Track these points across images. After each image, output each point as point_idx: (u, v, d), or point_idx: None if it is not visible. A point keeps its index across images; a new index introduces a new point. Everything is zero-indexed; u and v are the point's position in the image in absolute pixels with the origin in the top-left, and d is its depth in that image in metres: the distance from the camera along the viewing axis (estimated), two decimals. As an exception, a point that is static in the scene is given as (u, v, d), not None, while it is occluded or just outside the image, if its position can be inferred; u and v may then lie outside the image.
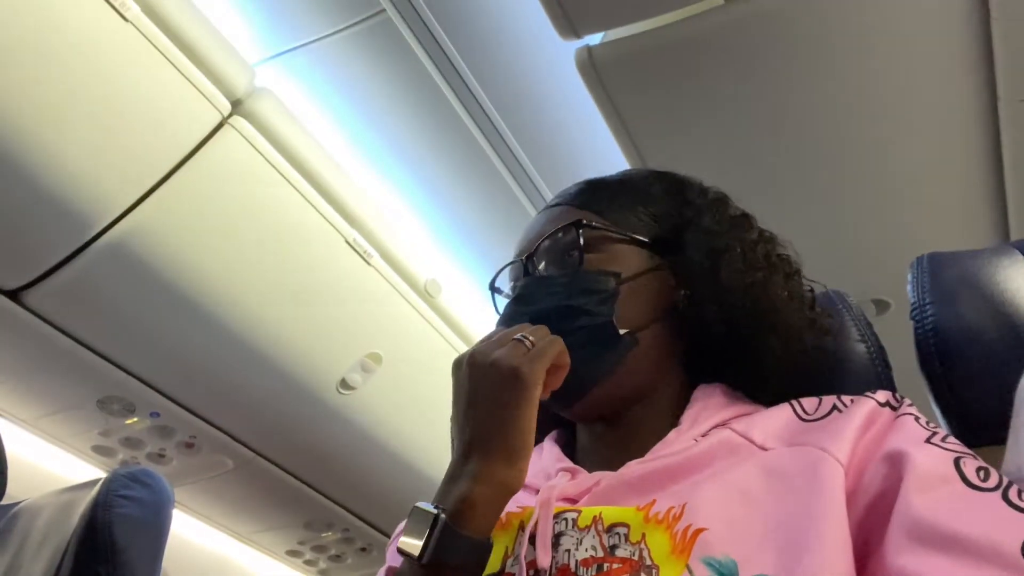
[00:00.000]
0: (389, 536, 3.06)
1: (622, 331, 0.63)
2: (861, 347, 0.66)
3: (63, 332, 1.72)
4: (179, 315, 1.70)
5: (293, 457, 2.17)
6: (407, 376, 2.09)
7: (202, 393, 1.94)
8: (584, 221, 0.67)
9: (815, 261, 1.41)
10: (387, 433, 2.13)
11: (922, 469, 0.47)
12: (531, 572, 0.52)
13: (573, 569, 0.50)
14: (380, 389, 2.05)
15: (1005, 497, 0.45)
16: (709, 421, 0.60)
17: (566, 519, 0.54)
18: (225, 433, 2.04)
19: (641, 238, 0.68)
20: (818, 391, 0.62)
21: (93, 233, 1.55)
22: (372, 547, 2.58)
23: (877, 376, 0.65)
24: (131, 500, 1.09)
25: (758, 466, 0.53)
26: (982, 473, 0.47)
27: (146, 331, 1.74)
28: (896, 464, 0.48)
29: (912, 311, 0.65)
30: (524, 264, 0.70)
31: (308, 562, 2.73)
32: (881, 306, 1.49)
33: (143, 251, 1.59)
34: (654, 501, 0.52)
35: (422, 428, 2.18)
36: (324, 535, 2.52)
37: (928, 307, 0.64)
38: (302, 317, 1.86)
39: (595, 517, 0.53)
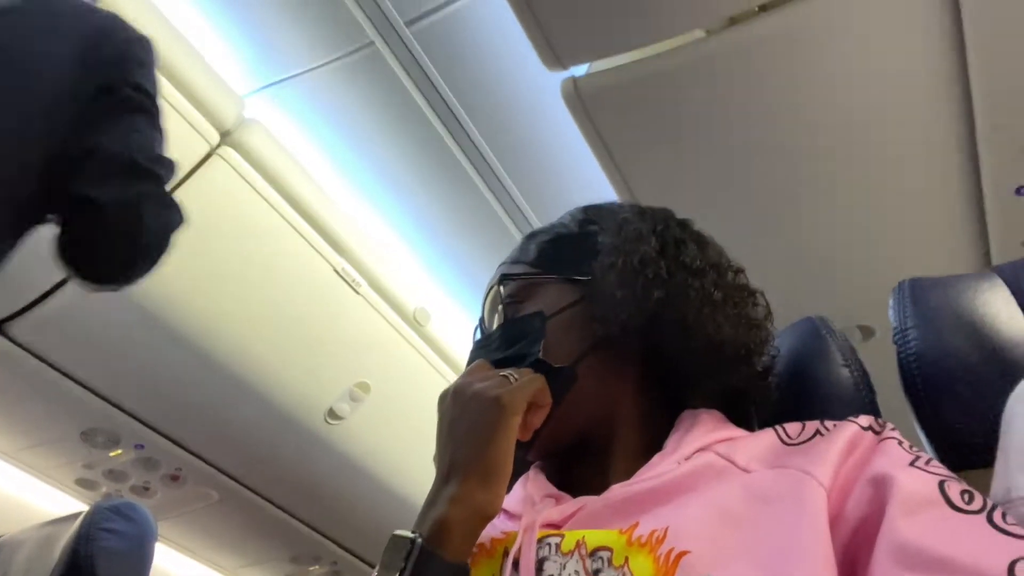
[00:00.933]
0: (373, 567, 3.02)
1: (556, 365, 0.64)
2: (845, 372, 0.66)
3: (47, 363, 1.71)
4: (165, 346, 1.69)
5: (280, 488, 2.15)
6: (396, 405, 2.08)
7: (188, 424, 1.92)
8: (507, 273, 0.72)
9: (799, 288, 1.43)
10: (375, 463, 2.11)
11: (907, 492, 0.47)
12: None
13: None
14: (369, 418, 2.04)
15: (990, 520, 0.45)
16: (693, 444, 0.60)
17: (549, 544, 0.54)
18: (211, 465, 2.02)
19: (559, 276, 0.70)
20: (801, 416, 0.62)
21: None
22: (360, 580, 2.55)
23: (861, 401, 0.65)
24: (113, 533, 1.07)
25: (741, 487, 0.52)
26: (966, 496, 0.47)
27: (131, 362, 1.73)
28: (881, 488, 0.48)
29: (895, 335, 0.66)
30: (479, 328, 0.75)
31: (295, 598, 2.68)
32: (866, 332, 1.50)
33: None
34: (637, 524, 0.52)
35: (411, 457, 2.16)
36: (311, 569, 2.48)
37: (910, 331, 0.65)
38: (290, 346, 1.85)
39: (578, 541, 0.53)
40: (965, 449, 0.61)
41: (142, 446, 1.93)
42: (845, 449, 0.53)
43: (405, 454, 2.14)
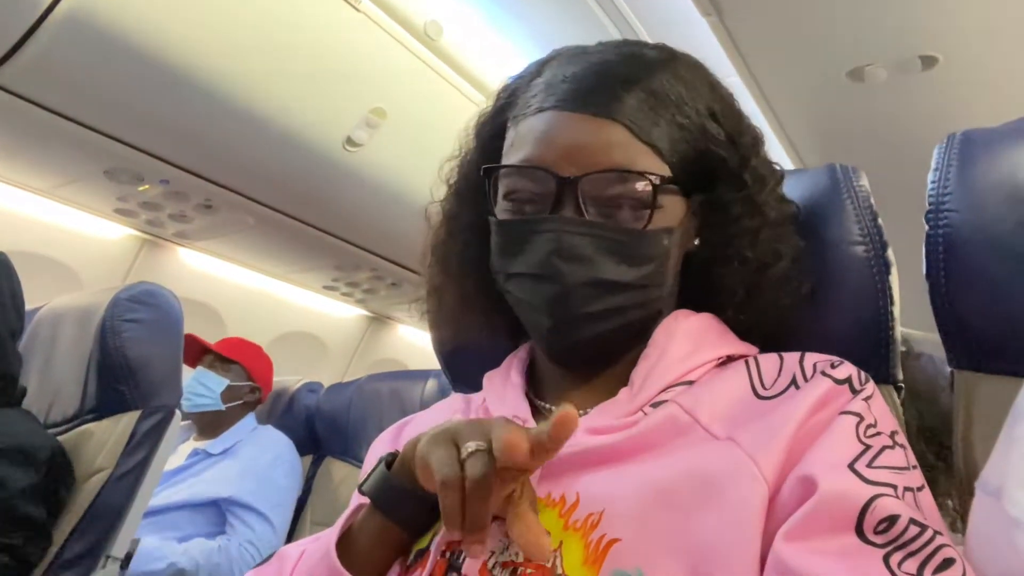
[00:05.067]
0: (416, 273, 3.21)
1: (655, 292, 0.59)
2: (859, 251, 0.57)
3: (46, 109, 1.65)
4: (161, 82, 1.61)
5: (311, 211, 2.19)
6: (414, 128, 1.99)
7: (208, 160, 1.91)
8: (654, 177, 0.56)
9: (849, 19, 1.20)
10: (399, 186, 2.10)
11: (821, 509, 0.44)
12: (449, 553, 0.53)
13: (490, 568, 0.50)
14: (388, 144, 1.98)
15: (886, 560, 0.42)
16: (658, 382, 0.56)
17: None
18: (239, 194, 2.04)
19: (679, 180, 0.59)
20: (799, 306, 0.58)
21: (45, 6, 1.43)
22: (402, 282, 2.72)
23: (873, 289, 0.57)
24: (138, 323, 1.12)
25: (692, 463, 0.50)
26: (883, 525, 0.43)
27: (132, 102, 1.67)
28: (803, 495, 0.46)
29: (928, 202, 0.55)
30: (561, 185, 0.57)
31: (344, 295, 2.91)
32: (928, 62, 1.30)
33: (106, 18, 1.47)
34: (577, 500, 0.51)
35: (434, 174, 2.14)
36: (355, 274, 2.64)
37: (945, 203, 0.54)
38: (296, 76, 1.74)
39: None
40: (981, 352, 0.54)
41: (167, 181, 1.95)
42: (805, 416, 0.49)
43: (428, 174, 2.11)
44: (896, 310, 0.57)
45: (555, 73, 0.61)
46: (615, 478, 0.51)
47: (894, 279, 0.57)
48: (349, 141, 1.92)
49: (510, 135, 0.62)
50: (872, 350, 0.57)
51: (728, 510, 0.47)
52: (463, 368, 0.83)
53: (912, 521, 0.44)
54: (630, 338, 0.60)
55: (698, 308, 0.62)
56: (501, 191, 0.61)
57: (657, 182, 0.56)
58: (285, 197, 2.10)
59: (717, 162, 0.60)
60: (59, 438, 1.12)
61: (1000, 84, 1.48)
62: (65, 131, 1.71)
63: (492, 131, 0.66)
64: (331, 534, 0.56)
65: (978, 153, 0.54)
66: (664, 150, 0.58)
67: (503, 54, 2.00)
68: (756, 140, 0.63)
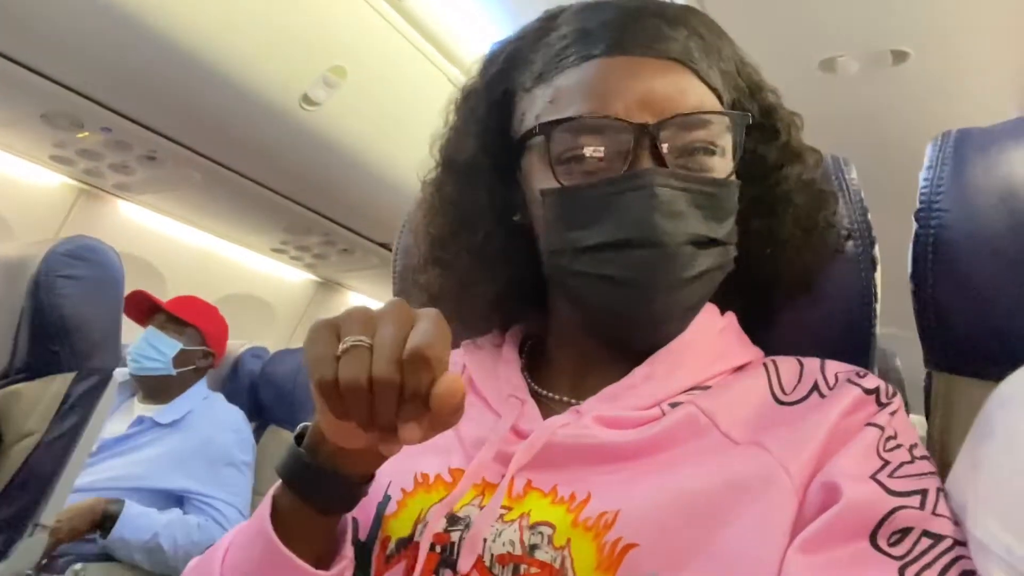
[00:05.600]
0: (369, 240, 3.13)
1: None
2: (848, 245, 0.56)
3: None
4: (108, 24, 1.51)
5: (262, 170, 2.11)
6: (375, 89, 1.93)
7: (155, 109, 1.81)
8: (727, 117, 0.53)
9: (823, 9, 1.19)
10: (357, 147, 2.03)
11: (840, 516, 0.43)
12: (439, 547, 0.49)
13: (488, 565, 0.47)
14: (346, 104, 1.91)
15: (901, 573, 0.41)
16: (681, 381, 0.52)
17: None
18: (186, 147, 1.95)
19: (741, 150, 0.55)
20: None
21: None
22: (355, 248, 2.65)
23: (859, 285, 0.56)
24: (75, 280, 1.05)
25: (714, 464, 0.47)
26: (897, 536, 0.42)
27: (81, 45, 1.57)
28: (826, 502, 0.44)
29: (920, 199, 0.54)
30: (640, 135, 0.51)
31: (293, 258, 2.83)
32: (899, 56, 1.30)
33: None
34: (588, 497, 0.47)
35: (394, 140, 2.07)
36: (305, 238, 2.57)
37: (938, 201, 0.53)
38: (254, 27, 1.65)
39: (522, 514, 0.48)
40: (958, 353, 0.54)
41: (109, 129, 1.85)
42: (835, 424, 0.47)
43: (387, 137, 2.04)
44: (878, 307, 0.56)
45: (583, 22, 0.55)
46: (631, 478, 0.48)
47: (878, 276, 0.57)
48: (306, 99, 1.85)
49: (542, 93, 0.55)
50: (855, 347, 0.57)
51: (757, 518, 0.44)
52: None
53: (925, 533, 0.43)
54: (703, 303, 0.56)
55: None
56: (554, 153, 0.53)
57: (730, 125, 0.53)
58: (236, 153, 2.02)
59: (748, 115, 0.56)
60: (-15, 398, 1.05)
61: (972, 80, 1.50)
62: (2, 69, 1.60)
63: (488, 103, 0.60)
64: (263, 509, 0.50)
65: (973, 152, 0.53)
66: (722, 95, 0.55)
67: (475, 24, 1.94)
68: (776, 92, 0.61)
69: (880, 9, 1.33)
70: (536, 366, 0.61)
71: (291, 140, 1.94)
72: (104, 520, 1.51)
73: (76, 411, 1.06)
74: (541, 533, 0.47)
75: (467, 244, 0.59)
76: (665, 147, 0.51)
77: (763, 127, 0.58)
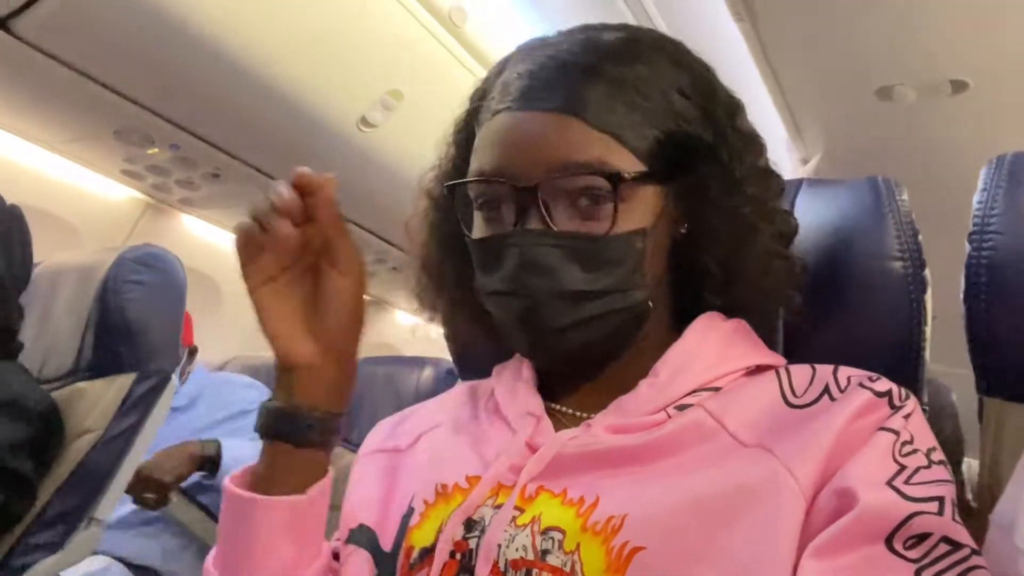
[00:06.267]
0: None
1: (640, 295, 0.56)
2: (897, 265, 0.56)
3: (61, 63, 1.63)
4: (183, 46, 1.59)
5: (320, 190, 2.17)
6: (431, 113, 1.96)
7: (220, 128, 1.89)
8: (616, 172, 0.52)
9: (882, 38, 1.19)
10: (412, 169, 2.06)
11: (855, 523, 0.43)
12: (458, 554, 0.51)
13: (502, 569, 0.48)
14: (403, 127, 1.96)
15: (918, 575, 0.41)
16: (687, 384, 0.53)
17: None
18: (249, 166, 2.03)
19: (652, 169, 0.55)
20: (828, 305, 0.56)
21: (71, -47, 1.41)
22: (405, 267, 2.70)
23: (908, 307, 0.55)
24: (140, 285, 1.10)
25: (721, 470, 0.48)
26: (913, 540, 0.42)
27: (152, 64, 1.65)
28: (840, 508, 0.44)
29: (973, 222, 0.54)
30: (521, 194, 0.54)
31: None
32: (958, 87, 1.28)
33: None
34: (597, 501, 0.49)
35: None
36: (368, 258, 2.63)
37: (991, 225, 0.52)
38: (316, 51, 1.73)
39: (533, 518, 0.50)
40: (1012, 378, 0.53)
41: (177, 146, 1.93)
42: (843, 427, 0.47)
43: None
44: (928, 330, 0.56)
45: (511, 71, 0.58)
46: (638, 481, 0.49)
47: (929, 299, 0.56)
48: (364, 121, 1.91)
49: (479, 135, 0.58)
50: (902, 369, 0.56)
51: (763, 522, 0.45)
52: (474, 358, 0.81)
53: (944, 539, 0.42)
54: (621, 338, 0.57)
55: (686, 295, 0.60)
56: (459, 208, 0.59)
57: (621, 176, 0.53)
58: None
59: (693, 140, 0.56)
60: (52, 394, 1.10)
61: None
62: (78, 86, 1.68)
63: (467, 136, 0.62)
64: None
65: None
66: (628, 138, 0.54)
67: (527, 47, 1.98)
68: (731, 110, 0.59)
69: (939, 40, 1.31)
70: (551, 383, 0.62)
71: (348, 161, 2.00)
72: (204, 462, 1.51)
73: (135, 411, 1.10)
74: (552, 538, 0.48)
75: (449, 273, 0.64)
76: (548, 203, 0.54)
77: (711, 152, 0.57)
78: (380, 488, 0.62)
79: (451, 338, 0.86)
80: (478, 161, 0.56)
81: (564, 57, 0.56)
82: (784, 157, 2.15)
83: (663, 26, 1.82)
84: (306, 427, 0.55)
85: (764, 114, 1.85)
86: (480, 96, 0.62)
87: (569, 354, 0.56)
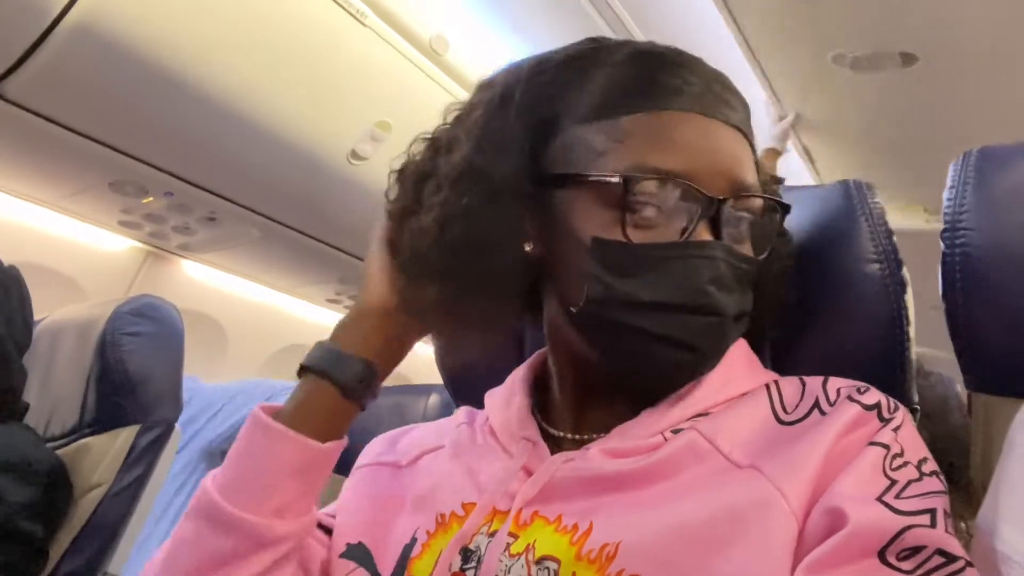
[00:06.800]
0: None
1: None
2: (874, 268, 0.56)
3: (51, 121, 1.65)
4: (168, 94, 1.61)
5: (316, 225, 2.19)
6: (419, 141, 1.99)
7: (211, 171, 1.91)
8: (784, 203, 0.56)
9: (837, 5, 1.20)
10: (405, 199, 2.09)
11: (847, 540, 0.42)
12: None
13: None
14: (392, 157, 1.97)
15: None
16: (687, 409, 0.53)
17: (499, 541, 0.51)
18: (243, 207, 2.04)
19: None
20: (808, 313, 0.57)
21: (52, 17, 1.44)
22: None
23: (888, 308, 0.55)
24: (138, 336, 1.11)
25: (714, 494, 0.47)
26: (907, 552, 0.42)
27: (141, 115, 1.67)
28: (832, 526, 0.44)
29: (944, 220, 0.54)
30: (713, 206, 0.51)
31: (348, 308, 2.90)
32: (908, 59, 1.29)
33: (114, 30, 1.47)
34: (591, 528, 0.48)
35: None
36: (358, 288, 2.63)
37: (962, 221, 0.52)
38: (302, 89, 1.74)
39: (528, 546, 0.50)
40: (996, 373, 0.53)
41: (171, 193, 1.95)
42: (832, 443, 0.47)
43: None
44: (911, 330, 0.56)
45: (651, 68, 0.54)
46: (632, 508, 0.49)
47: (909, 298, 0.56)
48: (354, 154, 1.92)
49: (602, 129, 0.53)
50: (888, 371, 0.56)
51: (755, 544, 0.45)
52: (468, 384, 0.81)
53: (938, 551, 0.42)
54: None
55: None
56: (629, 204, 0.51)
57: (785, 205, 0.56)
58: (290, 210, 2.10)
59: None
60: (58, 452, 1.10)
61: (980, 87, 1.49)
62: (71, 143, 1.71)
63: (530, 121, 0.57)
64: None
65: (995, 170, 0.52)
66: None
67: (510, 69, 2.00)
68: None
69: (889, 11, 1.32)
70: (545, 406, 0.62)
71: (341, 194, 2.01)
72: None
73: (141, 462, 1.10)
74: (547, 568, 0.48)
75: (481, 261, 0.56)
76: (726, 220, 0.52)
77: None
78: (377, 503, 0.62)
79: (445, 367, 0.86)
80: (649, 156, 0.51)
81: (718, 73, 0.56)
82: (764, 119, 2.20)
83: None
84: (351, 371, 0.58)
85: (745, 75, 1.88)
86: (558, 79, 0.57)
87: (700, 373, 0.54)
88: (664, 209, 0.51)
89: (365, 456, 0.69)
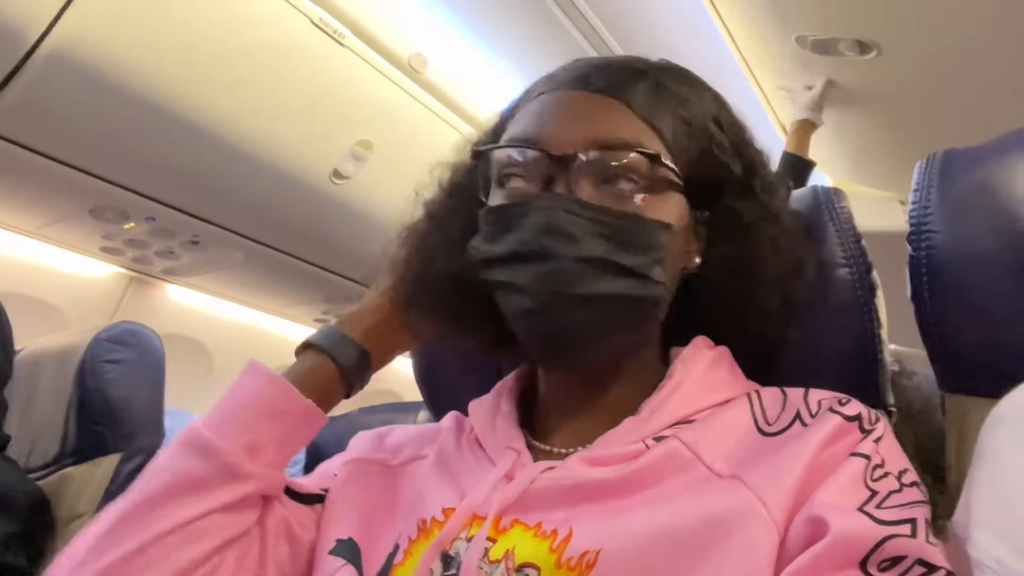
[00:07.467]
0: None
1: (664, 302, 0.57)
2: (843, 272, 0.56)
3: (28, 149, 1.65)
4: (147, 119, 1.61)
5: (300, 246, 2.18)
6: (401, 159, 1.99)
7: (192, 194, 1.90)
8: (655, 153, 0.53)
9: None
10: (387, 217, 2.07)
11: (828, 550, 0.42)
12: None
13: None
14: (375, 175, 1.98)
15: None
16: (667, 417, 0.53)
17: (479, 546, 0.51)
18: (227, 230, 2.03)
19: (681, 182, 0.56)
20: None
21: (29, 45, 1.43)
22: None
23: (859, 312, 0.56)
24: (118, 364, 1.10)
25: (695, 503, 0.47)
26: (887, 563, 0.42)
27: (119, 141, 1.67)
28: (813, 536, 0.44)
29: (910, 221, 0.54)
30: (553, 162, 0.53)
31: (336, 328, 2.89)
32: (865, 48, 1.29)
33: (91, 56, 1.47)
34: (571, 534, 0.48)
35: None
36: (344, 307, 2.63)
37: (928, 223, 0.53)
38: (282, 110, 1.75)
39: (507, 552, 0.49)
40: (966, 373, 0.53)
41: (153, 218, 1.94)
42: (814, 454, 0.47)
43: (416, 205, 2.11)
44: (884, 332, 0.56)
45: (559, 70, 0.61)
46: (612, 516, 0.49)
47: (880, 300, 0.56)
48: (336, 174, 1.92)
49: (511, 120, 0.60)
50: (861, 374, 0.56)
51: (736, 554, 0.44)
52: (444, 396, 0.81)
53: (919, 561, 0.42)
54: (631, 337, 0.57)
55: (680, 330, 0.60)
56: (494, 176, 0.58)
57: (660, 158, 0.53)
58: (274, 231, 2.09)
59: (723, 170, 0.57)
60: (40, 483, 1.09)
61: (937, 78, 1.50)
62: (49, 171, 1.70)
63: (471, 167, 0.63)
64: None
65: (958, 172, 0.53)
66: (667, 138, 0.55)
67: (489, 84, 2.01)
68: (763, 154, 0.61)
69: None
70: (531, 417, 0.63)
71: (325, 214, 2.01)
72: None
73: (124, 490, 1.09)
74: (528, 575, 0.48)
75: (446, 245, 0.63)
76: (580, 175, 0.53)
77: (744, 184, 0.58)
78: (368, 503, 0.62)
79: (423, 380, 0.86)
80: (512, 131, 0.57)
81: (615, 61, 0.59)
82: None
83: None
84: (351, 354, 0.63)
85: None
86: (512, 107, 0.63)
87: (573, 330, 0.53)
88: (527, 175, 0.56)
89: (356, 449, 0.68)
